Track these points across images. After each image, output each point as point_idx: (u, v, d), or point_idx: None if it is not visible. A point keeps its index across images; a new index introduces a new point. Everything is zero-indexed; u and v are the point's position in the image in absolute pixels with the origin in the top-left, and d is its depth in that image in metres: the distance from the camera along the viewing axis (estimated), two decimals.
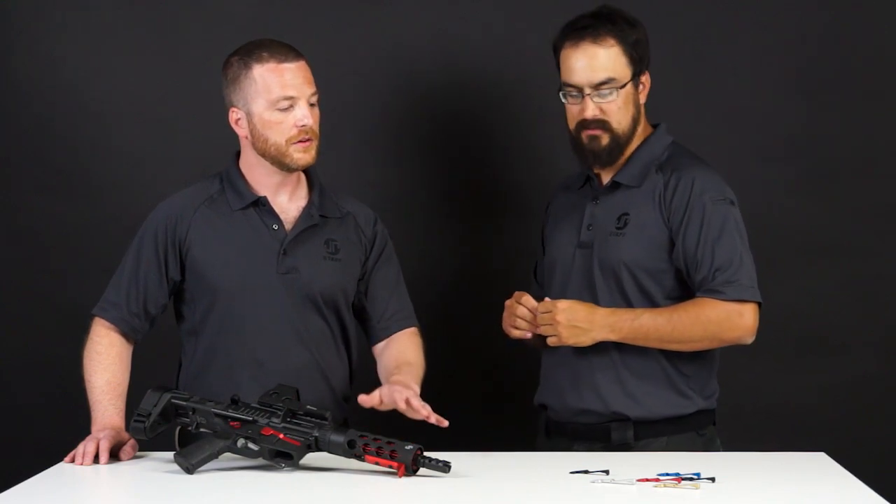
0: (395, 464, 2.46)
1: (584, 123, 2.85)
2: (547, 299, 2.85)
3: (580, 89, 2.83)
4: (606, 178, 2.92)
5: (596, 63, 2.82)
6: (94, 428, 2.74)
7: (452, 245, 3.66)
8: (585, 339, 2.80)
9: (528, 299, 2.87)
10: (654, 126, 2.94)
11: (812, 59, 3.59)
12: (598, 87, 2.82)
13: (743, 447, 2.87)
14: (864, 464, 2.70)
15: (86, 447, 2.64)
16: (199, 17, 3.61)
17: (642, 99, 2.88)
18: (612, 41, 2.83)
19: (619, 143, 2.86)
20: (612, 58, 2.83)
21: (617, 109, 2.84)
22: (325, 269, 2.88)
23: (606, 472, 2.48)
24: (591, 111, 2.84)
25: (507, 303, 2.91)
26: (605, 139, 2.85)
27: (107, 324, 2.86)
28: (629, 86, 2.84)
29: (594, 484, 2.42)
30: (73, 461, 2.64)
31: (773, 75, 3.59)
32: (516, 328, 2.89)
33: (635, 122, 2.87)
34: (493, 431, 3.58)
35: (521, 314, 2.87)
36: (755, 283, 2.80)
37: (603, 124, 2.84)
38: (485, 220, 3.65)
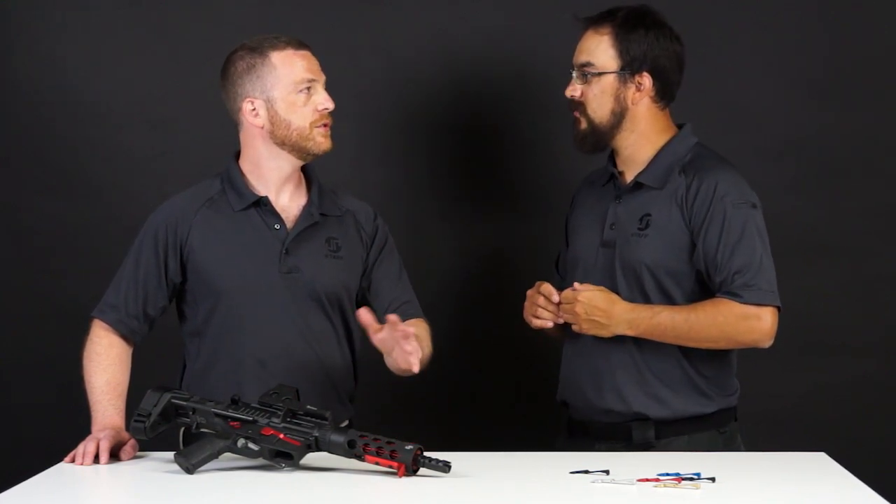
0: (395, 464, 2.46)
1: (569, 103, 2.93)
2: (571, 287, 2.84)
3: (573, 68, 2.92)
4: (629, 176, 2.92)
5: (584, 46, 2.91)
6: (94, 428, 2.74)
7: (453, 244, 3.66)
8: (604, 332, 2.82)
9: (548, 288, 2.87)
10: (680, 126, 2.95)
11: (812, 60, 3.59)
12: (580, 68, 2.90)
13: (743, 447, 2.87)
14: (864, 464, 2.70)
15: (86, 447, 2.64)
16: (199, 17, 3.61)
17: (635, 99, 2.88)
18: (606, 31, 2.88)
19: (596, 131, 2.90)
20: (599, 45, 2.88)
21: (593, 96, 2.89)
22: (327, 267, 2.88)
23: (606, 472, 2.48)
24: (569, 89, 2.92)
25: (529, 292, 2.92)
26: (582, 123, 2.91)
27: (106, 325, 2.86)
28: (611, 77, 2.87)
29: (594, 484, 2.42)
30: (73, 461, 2.64)
31: (774, 75, 3.59)
32: (537, 318, 2.89)
33: (616, 117, 2.88)
34: (497, 432, 3.58)
35: (543, 304, 2.87)
36: (774, 288, 2.81)
37: (579, 107, 2.91)
38: (487, 219, 3.65)
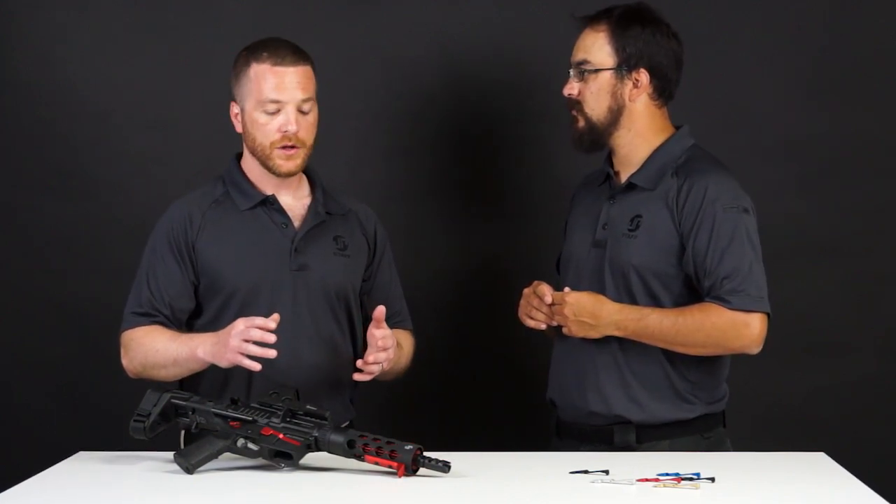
0: (394, 464, 2.46)
1: (566, 102, 2.93)
2: (563, 290, 2.85)
3: (571, 67, 2.92)
4: (624, 177, 2.92)
5: (581, 44, 2.91)
6: (217, 340, 2.68)
7: (451, 244, 3.66)
8: (593, 333, 2.82)
9: (543, 289, 2.87)
10: (678, 128, 2.95)
11: (813, 60, 3.59)
12: (577, 66, 2.90)
13: (743, 447, 2.88)
14: (864, 464, 2.70)
15: (247, 346, 2.61)
16: (199, 18, 3.61)
17: (632, 96, 2.88)
18: (603, 28, 2.88)
19: (594, 130, 2.90)
20: (595, 42, 2.88)
21: (590, 94, 2.88)
22: (336, 264, 2.88)
23: (606, 472, 2.48)
24: (567, 88, 2.92)
25: (525, 291, 2.91)
26: (580, 122, 2.91)
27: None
28: (608, 74, 2.87)
29: (594, 484, 2.42)
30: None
31: (774, 75, 3.59)
32: (531, 318, 2.89)
33: (613, 114, 2.88)
34: (496, 432, 3.58)
35: (537, 304, 2.87)
36: (764, 294, 2.79)
37: (577, 105, 2.90)
38: (485, 220, 3.65)
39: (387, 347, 2.73)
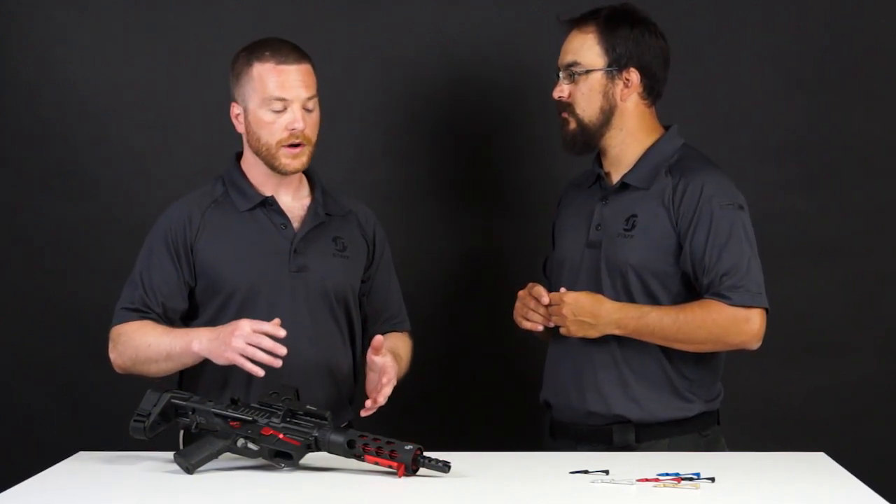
0: (394, 464, 2.46)
1: (556, 105, 2.93)
2: (557, 291, 2.85)
3: (559, 70, 2.92)
4: (616, 177, 2.92)
5: (569, 46, 2.92)
6: (216, 336, 2.67)
7: (450, 244, 3.66)
8: (593, 332, 2.82)
9: (538, 291, 2.87)
10: (667, 127, 2.95)
11: (812, 60, 3.59)
12: (567, 68, 2.90)
13: (743, 447, 2.88)
14: (864, 464, 2.71)
15: (253, 349, 2.60)
16: (199, 17, 3.61)
17: (623, 96, 2.88)
18: (591, 29, 2.89)
19: (585, 131, 2.90)
20: (584, 44, 2.89)
21: (581, 95, 2.89)
22: (335, 265, 2.88)
23: (606, 472, 2.48)
24: (556, 91, 2.92)
25: (520, 293, 2.91)
26: (571, 124, 2.91)
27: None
28: (598, 75, 2.87)
29: (594, 484, 2.42)
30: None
31: (774, 75, 3.59)
32: (528, 320, 2.89)
33: (605, 115, 2.89)
34: (496, 432, 3.58)
35: (533, 306, 2.87)
36: (762, 290, 2.80)
37: (567, 108, 2.91)
38: (487, 219, 3.65)
39: (391, 379, 2.72)
